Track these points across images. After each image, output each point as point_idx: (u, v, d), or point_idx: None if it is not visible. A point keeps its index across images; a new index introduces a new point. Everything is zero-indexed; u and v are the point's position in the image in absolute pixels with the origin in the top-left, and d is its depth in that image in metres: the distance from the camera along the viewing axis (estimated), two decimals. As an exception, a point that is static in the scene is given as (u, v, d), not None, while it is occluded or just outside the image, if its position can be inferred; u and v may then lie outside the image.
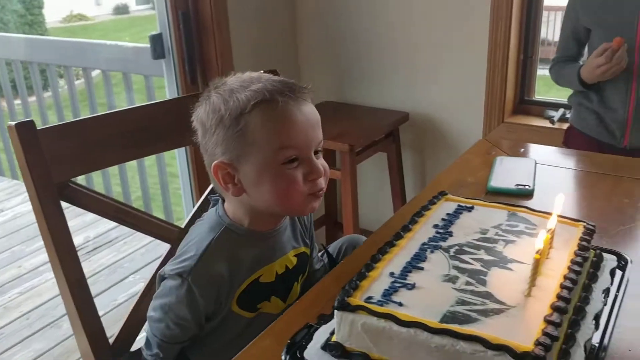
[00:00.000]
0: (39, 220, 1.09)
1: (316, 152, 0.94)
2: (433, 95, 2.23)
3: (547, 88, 2.90)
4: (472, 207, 0.90)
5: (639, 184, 1.12)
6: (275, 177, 0.91)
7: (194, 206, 1.29)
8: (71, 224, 3.47)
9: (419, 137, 2.33)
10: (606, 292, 0.79)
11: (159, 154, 2.70)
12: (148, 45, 2.13)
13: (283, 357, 0.72)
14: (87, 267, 2.93)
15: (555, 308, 0.67)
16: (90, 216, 3.45)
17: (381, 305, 0.68)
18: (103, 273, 2.88)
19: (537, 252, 0.68)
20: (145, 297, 1.21)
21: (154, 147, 1.23)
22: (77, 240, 3.17)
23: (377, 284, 0.72)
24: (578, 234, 0.82)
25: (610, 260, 0.86)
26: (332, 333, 0.73)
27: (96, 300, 2.78)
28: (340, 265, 0.93)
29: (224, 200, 1.02)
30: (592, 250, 0.86)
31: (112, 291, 2.74)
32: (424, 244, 0.81)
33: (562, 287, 0.70)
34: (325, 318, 0.78)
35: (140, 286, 2.69)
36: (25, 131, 1.04)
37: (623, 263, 0.86)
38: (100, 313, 2.66)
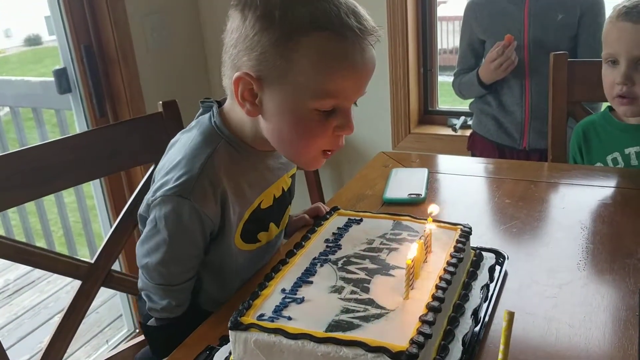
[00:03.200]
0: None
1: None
2: (342, 112, 2.31)
3: (451, 97, 3.04)
4: (360, 220, 0.96)
5: (518, 184, 1.21)
6: (301, 121, 0.81)
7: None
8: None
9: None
10: (485, 288, 0.86)
11: (77, 187, 2.67)
12: (47, 79, 2.11)
13: (183, 380, 0.75)
14: (10, 311, 2.84)
15: (430, 308, 0.72)
16: (9, 258, 3.33)
17: (272, 321, 0.72)
18: (27, 315, 2.80)
19: (409, 258, 0.74)
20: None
21: (62, 182, 1.23)
22: (-2, 282, 3.08)
23: (269, 301, 0.76)
24: (455, 237, 0.89)
25: (489, 259, 0.93)
26: (231, 352, 0.76)
27: (21, 344, 2.71)
28: (244, 287, 0.97)
29: (219, 105, 0.90)
30: (472, 251, 0.93)
31: (38, 333, 2.66)
32: (314, 258, 0.85)
33: (437, 287, 0.76)
34: (226, 339, 0.82)
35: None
36: None
37: (502, 260, 0.93)
38: (26, 357, 2.58)
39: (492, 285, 0.88)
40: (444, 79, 2.34)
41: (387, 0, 2.08)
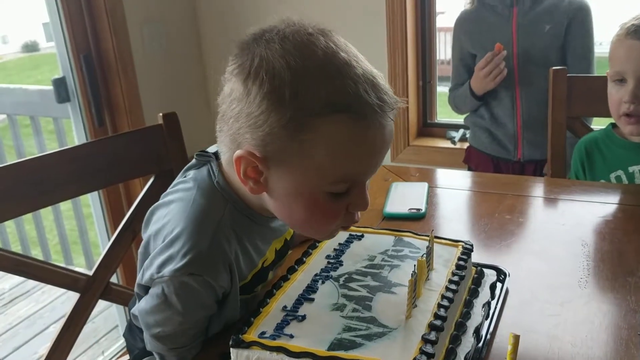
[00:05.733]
0: None
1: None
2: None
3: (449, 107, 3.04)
4: (362, 235, 0.95)
5: (520, 200, 1.21)
6: (315, 205, 0.74)
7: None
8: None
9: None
10: (487, 305, 0.86)
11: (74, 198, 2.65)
12: (44, 87, 2.12)
13: (183, 398, 0.74)
14: (4, 321, 2.82)
15: (432, 327, 0.72)
16: (4, 266, 3.32)
17: (274, 339, 0.72)
18: (22, 325, 2.78)
19: (411, 277, 0.74)
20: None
21: (61, 194, 1.22)
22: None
23: (270, 318, 0.76)
24: (457, 254, 0.89)
25: (490, 276, 0.93)
26: (231, 370, 0.76)
27: (16, 354, 2.69)
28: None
29: (217, 158, 0.82)
30: (473, 268, 0.93)
31: (33, 343, 2.64)
32: (316, 274, 0.85)
33: (439, 306, 0.76)
34: (227, 356, 0.81)
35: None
36: None
37: (502, 277, 0.93)
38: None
39: (493, 303, 0.87)
40: (443, 90, 2.35)
41: (387, 13, 2.09)
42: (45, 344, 2.60)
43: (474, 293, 0.87)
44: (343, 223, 0.79)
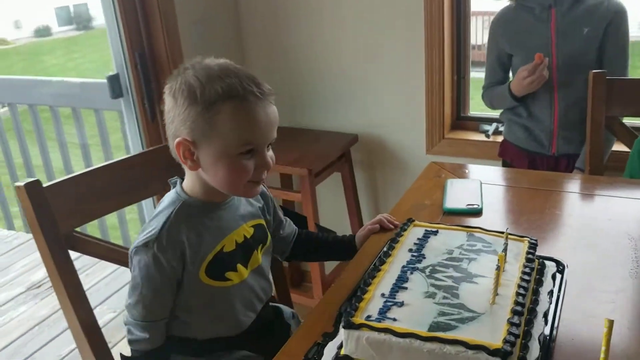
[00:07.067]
0: (50, 270, 1.19)
1: (268, 146, 1.08)
2: (379, 117, 2.43)
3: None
4: (436, 231, 1.08)
5: (566, 197, 1.34)
6: (230, 165, 1.04)
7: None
8: (29, 259, 3.46)
9: (368, 156, 2.52)
10: (550, 293, 0.99)
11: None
12: (99, 80, 2.24)
13: (302, 372, 0.87)
14: (51, 302, 2.96)
15: (514, 312, 0.85)
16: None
17: (379, 321, 0.85)
18: (68, 307, 2.92)
19: (496, 269, 0.87)
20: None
21: (144, 192, 1.36)
22: (37, 276, 3.21)
23: (372, 304, 0.89)
24: (524, 248, 1.01)
25: (550, 267, 1.06)
26: (339, 347, 0.89)
27: (65, 335, 2.82)
28: (333, 287, 1.09)
29: (182, 180, 1.15)
30: (536, 260, 1.06)
31: (80, 324, 2.78)
32: (403, 266, 0.98)
33: (517, 294, 0.89)
34: (329, 335, 0.94)
35: (110, 316, 2.77)
36: (33, 190, 1.15)
37: (561, 268, 1.05)
38: (72, 347, 2.72)
39: (555, 290, 1.00)
40: (475, 75, 2.45)
41: (425, 14, 2.19)
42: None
43: (539, 282, 1.00)
44: (254, 178, 1.07)
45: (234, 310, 1.15)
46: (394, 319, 0.85)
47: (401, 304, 0.88)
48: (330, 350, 0.91)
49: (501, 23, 1.95)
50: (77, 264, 3.24)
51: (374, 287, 0.93)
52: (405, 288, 0.92)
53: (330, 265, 2.47)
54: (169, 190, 1.16)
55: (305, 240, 1.35)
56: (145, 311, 1.07)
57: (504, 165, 2.08)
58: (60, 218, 1.19)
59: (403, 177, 2.47)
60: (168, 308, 1.10)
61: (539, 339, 0.88)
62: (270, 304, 1.28)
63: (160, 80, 2.23)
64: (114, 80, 2.21)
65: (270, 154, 1.09)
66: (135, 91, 2.20)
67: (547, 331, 0.91)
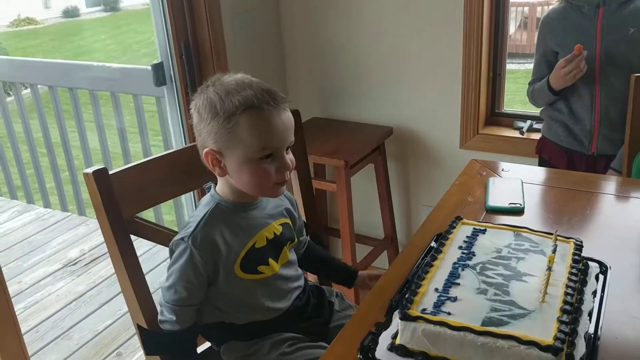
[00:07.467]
0: (112, 253, 1.27)
1: (286, 149, 1.18)
2: (414, 111, 2.47)
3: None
4: (485, 230, 1.13)
5: (607, 199, 1.37)
6: (252, 169, 1.14)
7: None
8: (65, 237, 3.56)
9: (402, 149, 2.56)
10: (594, 293, 1.03)
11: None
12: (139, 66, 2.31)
13: (359, 356, 0.93)
14: (88, 280, 3.06)
15: (563, 310, 0.90)
16: (82, 229, 3.57)
17: (434, 314, 0.90)
18: (104, 284, 3.01)
19: (547, 269, 0.92)
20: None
21: (198, 181, 1.42)
22: (73, 253, 3.32)
23: (426, 298, 0.94)
24: (570, 249, 1.06)
25: (594, 267, 1.10)
26: (393, 337, 0.95)
27: (101, 311, 2.92)
28: (382, 280, 1.15)
29: (216, 184, 1.26)
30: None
31: (116, 301, 2.86)
32: (454, 263, 1.03)
33: (566, 293, 0.94)
34: (382, 325, 1.00)
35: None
36: (100, 177, 1.22)
37: (604, 269, 1.10)
38: (108, 322, 2.81)
39: (598, 290, 1.05)
40: (510, 67, 2.47)
41: (465, 4, 2.22)
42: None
43: (584, 282, 1.04)
44: (277, 180, 1.17)
45: (268, 299, 1.25)
46: (449, 313, 0.91)
47: (454, 299, 0.94)
48: (384, 339, 0.96)
49: (550, 21, 1.98)
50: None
51: (427, 282, 0.98)
52: (458, 284, 0.97)
53: (360, 255, 2.53)
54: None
55: (313, 253, 1.45)
56: (176, 296, 1.19)
57: (541, 162, 2.11)
58: (123, 204, 1.26)
59: (435, 171, 2.52)
60: (197, 296, 1.21)
61: (584, 337, 0.93)
62: (311, 283, 1.38)
63: (203, 71, 2.30)
64: (158, 68, 2.27)
65: (289, 156, 1.18)
66: (180, 80, 2.27)
67: (591, 329, 0.95)
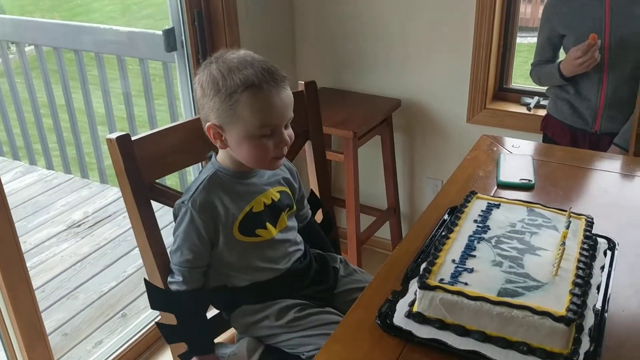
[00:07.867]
0: (132, 217, 1.30)
1: (286, 125, 1.22)
2: (422, 84, 2.49)
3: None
4: (499, 205, 1.17)
5: (615, 177, 1.41)
6: (252, 145, 1.19)
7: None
8: (68, 199, 3.59)
9: (409, 122, 2.59)
10: (602, 268, 1.07)
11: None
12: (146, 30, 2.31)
13: (378, 322, 0.97)
14: (92, 241, 3.10)
15: (575, 284, 0.94)
16: (86, 192, 3.60)
17: (452, 284, 0.94)
18: (108, 246, 3.05)
19: (561, 244, 0.95)
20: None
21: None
22: (76, 215, 3.35)
23: (444, 268, 0.98)
24: (582, 225, 1.10)
25: (602, 243, 1.14)
26: (410, 305, 0.99)
27: (106, 272, 2.96)
28: (397, 251, 1.19)
29: (216, 154, 1.31)
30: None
31: (121, 263, 2.91)
32: (470, 236, 1.07)
33: (578, 268, 0.98)
34: (399, 293, 1.04)
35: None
36: (123, 143, 1.24)
37: (612, 245, 1.14)
38: (113, 284, 2.85)
39: (607, 264, 1.09)
40: (520, 40, 2.49)
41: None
42: (132, 264, 2.89)
43: (593, 257, 1.08)
44: (275, 155, 1.22)
45: (267, 261, 1.30)
46: (465, 283, 0.95)
47: (471, 270, 0.98)
48: (401, 306, 1.00)
49: (555, 2, 1.98)
50: (112, 208, 3.35)
51: (444, 253, 1.02)
52: (474, 256, 1.01)
53: (364, 224, 2.57)
54: None
55: (312, 232, 1.49)
56: (182, 258, 1.25)
57: (544, 139, 2.14)
58: (144, 170, 1.28)
59: (441, 144, 2.55)
60: (203, 258, 1.27)
61: (593, 309, 0.97)
62: (314, 251, 1.43)
63: (214, 38, 2.30)
64: (170, 34, 2.27)
65: (288, 131, 1.23)
66: (191, 46, 2.27)
67: (599, 303, 1.00)
